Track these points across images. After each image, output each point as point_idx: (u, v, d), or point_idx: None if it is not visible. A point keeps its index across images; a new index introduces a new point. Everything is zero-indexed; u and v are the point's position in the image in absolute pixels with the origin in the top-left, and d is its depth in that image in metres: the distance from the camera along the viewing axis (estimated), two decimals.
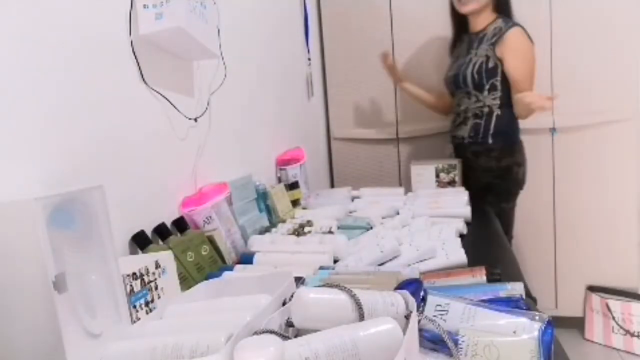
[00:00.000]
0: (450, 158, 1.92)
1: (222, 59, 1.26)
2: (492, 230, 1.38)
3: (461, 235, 1.20)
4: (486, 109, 1.75)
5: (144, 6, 0.94)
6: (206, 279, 0.92)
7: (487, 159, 1.79)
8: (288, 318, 0.56)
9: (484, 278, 0.85)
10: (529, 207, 2.21)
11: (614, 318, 2.09)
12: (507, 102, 1.73)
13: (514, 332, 0.59)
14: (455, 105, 1.89)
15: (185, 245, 0.96)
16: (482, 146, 1.77)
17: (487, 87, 1.73)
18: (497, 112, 1.75)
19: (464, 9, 1.74)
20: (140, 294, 0.73)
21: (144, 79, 0.98)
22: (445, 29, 2.18)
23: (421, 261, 1.00)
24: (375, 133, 2.31)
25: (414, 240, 1.10)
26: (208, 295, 0.74)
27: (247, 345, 0.46)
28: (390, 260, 1.02)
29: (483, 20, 1.75)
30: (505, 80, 1.72)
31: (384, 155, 2.35)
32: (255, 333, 0.51)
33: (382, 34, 2.24)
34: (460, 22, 1.85)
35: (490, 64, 1.72)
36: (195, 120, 1.17)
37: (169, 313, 0.68)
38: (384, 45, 2.23)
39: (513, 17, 1.77)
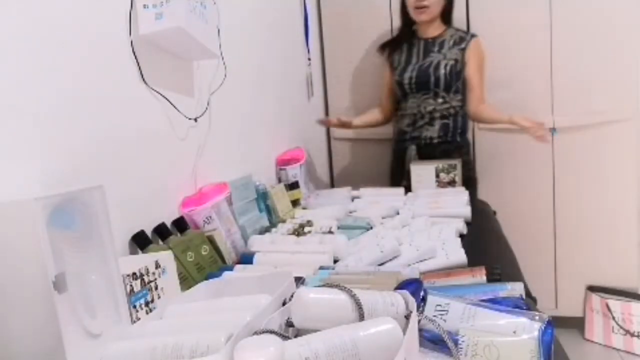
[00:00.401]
0: (450, 159, 1.91)
1: (222, 59, 1.26)
2: (492, 230, 1.38)
3: (461, 235, 1.20)
4: (452, 110, 1.88)
5: (144, 6, 0.94)
6: (206, 279, 0.92)
7: (459, 155, 1.88)
8: (288, 318, 0.56)
9: (484, 278, 0.85)
10: (529, 207, 2.21)
11: (614, 318, 2.09)
12: (464, 104, 1.91)
13: (514, 332, 0.59)
14: (409, 107, 1.92)
15: (185, 245, 0.96)
16: (452, 144, 1.89)
17: (453, 89, 1.86)
18: (460, 112, 1.90)
19: (422, 17, 1.86)
20: (140, 294, 0.73)
21: (144, 79, 0.98)
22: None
23: (421, 261, 1.00)
24: (375, 133, 2.31)
25: (414, 240, 1.10)
26: (208, 295, 0.74)
27: (247, 345, 0.46)
28: (390, 260, 1.02)
29: (435, 28, 1.91)
30: (464, 84, 1.89)
31: (384, 155, 2.34)
32: (255, 333, 0.51)
33: (382, 34, 2.24)
34: (407, 28, 1.96)
35: (458, 67, 1.86)
36: (195, 120, 1.17)
37: (169, 313, 0.68)
38: None
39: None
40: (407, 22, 1.95)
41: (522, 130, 2.12)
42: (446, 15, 1.91)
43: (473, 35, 1.89)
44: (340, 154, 2.40)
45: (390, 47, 2.00)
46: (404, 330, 0.51)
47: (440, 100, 1.86)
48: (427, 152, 1.89)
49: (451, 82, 1.85)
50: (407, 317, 0.56)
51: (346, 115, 1.97)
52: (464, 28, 2.16)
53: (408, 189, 1.73)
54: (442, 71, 1.84)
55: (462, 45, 1.87)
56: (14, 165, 0.68)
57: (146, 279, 0.75)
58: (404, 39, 1.96)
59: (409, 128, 1.93)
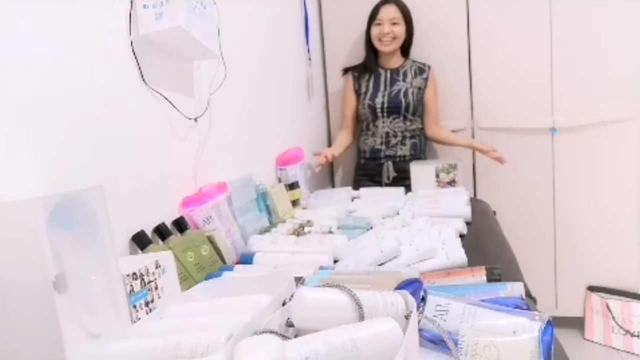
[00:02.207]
0: (450, 159, 1.93)
1: (222, 59, 1.26)
2: (492, 230, 1.38)
3: (461, 235, 1.20)
4: (418, 131, 2.12)
5: (144, 6, 0.94)
6: (206, 279, 0.92)
7: None
8: (288, 318, 0.56)
9: (484, 278, 0.85)
10: (528, 207, 2.21)
11: (614, 318, 2.09)
12: (423, 126, 2.17)
13: (514, 332, 0.59)
14: (380, 128, 2.11)
15: (185, 245, 0.96)
16: (420, 159, 2.13)
17: (418, 112, 2.11)
18: (423, 133, 2.16)
19: (387, 48, 2.08)
20: (140, 294, 0.73)
21: (144, 79, 0.98)
22: (443, 27, 2.19)
23: (421, 261, 1.00)
24: None
25: (414, 240, 1.10)
26: (208, 295, 0.74)
27: (247, 345, 0.46)
28: (390, 260, 1.02)
29: (397, 60, 2.15)
30: (423, 108, 2.14)
31: None
32: (255, 333, 0.51)
33: None
34: (371, 58, 2.15)
35: (421, 94, 2.12)
36: (195, 120, 1.17)
37: (169, 313, 0.68)
38: None
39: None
40: (372, 53, 2.14)
41: (522, 131, 2.16)
42: (406, 49, 2.15)
43: (429, 67, 2.14)
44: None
45: (356, 72, 2.18)
46: (404, 330, 0.51)
47: (408, 122, 2.10)
48: (401, 168, 2.05)
49: (417, 106, 2.10)
50: (407, 317, 0.56)
51: (330, 150, 2.04)
52: (464, 28, 2.17)
53: None
54: (410, 97, 2.08)
55: (424, 75, 2.13)
56: (14, 165, 0.68)
57: (146, 279, 0.75)
58: (368, 68, 2.15)
59: (383, 146, 2.11)
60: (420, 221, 1.27)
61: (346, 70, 2.21)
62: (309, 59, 2.13)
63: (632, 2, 1.97)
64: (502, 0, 2.11)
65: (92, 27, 0.85)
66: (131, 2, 0.94)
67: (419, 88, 2.11)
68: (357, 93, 2.16)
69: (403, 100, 2.07)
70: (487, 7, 2.13)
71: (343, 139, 2.17)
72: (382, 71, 2.14)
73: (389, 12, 2.05)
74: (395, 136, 2.10)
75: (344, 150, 2.14)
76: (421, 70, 2.14)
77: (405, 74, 2.12)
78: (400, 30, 2.06)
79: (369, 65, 2.15)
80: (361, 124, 2.19)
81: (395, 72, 2.13)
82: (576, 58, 2.05)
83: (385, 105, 2.08)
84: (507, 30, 2.13)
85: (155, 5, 0.94)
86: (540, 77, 2.11)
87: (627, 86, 2.02)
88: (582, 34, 2.04)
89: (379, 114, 2.10)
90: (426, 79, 2.13)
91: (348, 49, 2.29)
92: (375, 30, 2.07)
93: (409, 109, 2.08)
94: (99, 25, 0.86)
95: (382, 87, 2.11)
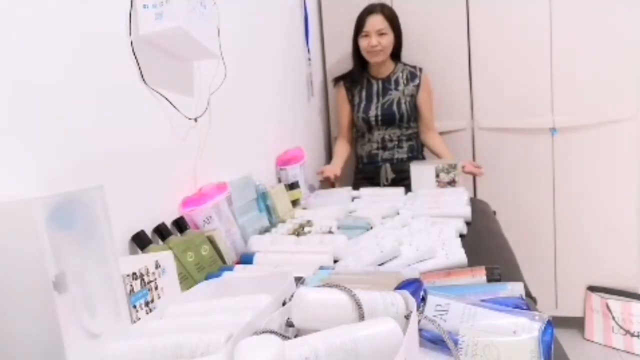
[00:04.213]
0: (452, 160, 1.94)
1: (222, 59, 1.26)
2: (492, 230, 1.38)
3: (461, 235, 1.20)
4: (414, 135, 2.15)
5: (144, 6, 0.94)
6: (206, 279, 0.92)
7: None
8: (288, 318, 0.56)
9: (484, 278, 0.85)
10: (528, 207, 2.21)
11: (614, 318, 2.09)
12: (418, 129, 2.19)
13: (514, 332, 0.59)
14: (375, 136, 2.13)
15: (185, 245, 0.96)
16: (417, 159, 2.15)
17: (413, 119, 2.13)
18: (418, 135, 2.18)
19: (376, 59, 2.07)
20: (140, 294, 0.73)
21: (144, 79, 0.98)
22: (443, 28, 2.19)
23: (421, 261, 1.00)
24: None
25: (414, 240, 1.10)
26: (208, 295, 0.74)
27: (247, 345, 0.46)
28: (390, 260, 1.02)
29: (387, 67, 2.14)
30: (418, 113, 2.15)
31: None
32: (255, 333, 0.51)
33: None
34: (360, 67, 2.15)
35: (414, 101, 2.12)
36: (195, 120, 1.17)
37: (169, 313, 0.68)
38: None
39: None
40: (361, 63, 2.14)
41: (522, 131, 2.16)
42: (395, 54, 2.14)
43: (421, 69, 2.13)
44: None
45: (347, 82, 2.18)
46: (404, 330, 0.51)
47: (404, 129, 2.12)
48: (399, 169, 2.08)
49: (411, 114, 2.11)
50: (407, 317, 0.56)
51: (332, 169, 2.03)
52: (464, 28, 2.17)
53: None
54: (404, 107, 2.09)
55: (416, 82, 2.12)
56: (13, 166, 0.68)
57: (146, 279, 0.75)
58: (358, 78, 2.15)
59: (380, 151, 2.14)
60: (420, 221, 1.27)
61: (337, 81, 2.21)
62: (309, 59, 2.13)
63: (632, 2, 1.97)
64: (502, 1, 2.12)
65: (92, 27, 0.85)
66: (131, 2, 0.94)
67: (412, 95, 2.11)
68: (351, 104, 2.16)
69: (397, 111, 2.08)
70: (487, 7, 2.13)
71: (342, 151, 2.19)
72: (373, 81, 2.14)
73: (376, 22, 2.02)
74: (392, 141, 2.12)
75: (344, 163, 2.15)
76: (412, 75, 2.12)
77: (397, 82, 2.12)
78: (387, 40, 2.04)
79: (357, 77, 2.15)
80: (357, 132, 2.21)
81: (386, 81, 2.13)
82: (576, 58, 2.06)
83: (380, 118, 2.09)
84: (507, 31, 2.13)
85: (155, 5, 0.94)
86: (540, 77, 2.11)
87: (627, 86, 2.03)
88: (582, 34, 2.04)
89: (374, 125, 2.12)
90: (418, 86, 2.11)
91: (348, 50, 2.28)
92: (363, 43, 2.05)
93: (403, 119, 2.09)
94: (99, 25, 0.86)
95: (374, 99, 2.11)
